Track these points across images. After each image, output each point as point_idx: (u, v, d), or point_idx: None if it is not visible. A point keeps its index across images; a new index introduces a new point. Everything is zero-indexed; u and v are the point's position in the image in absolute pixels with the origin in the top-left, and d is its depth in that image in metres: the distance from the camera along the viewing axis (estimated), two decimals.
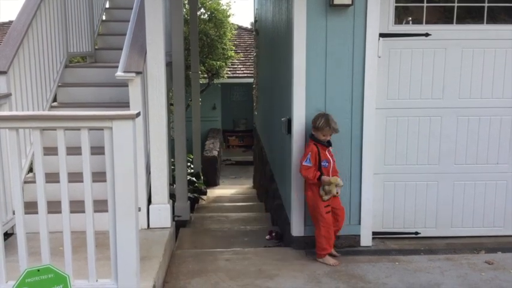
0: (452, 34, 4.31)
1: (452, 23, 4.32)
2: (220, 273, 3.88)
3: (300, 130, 4.22)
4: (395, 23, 4.27)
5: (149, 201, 4.49)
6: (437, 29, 4.30)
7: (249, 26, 19.55)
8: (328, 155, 4.04)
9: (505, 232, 4.59)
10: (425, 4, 4.28)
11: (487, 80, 4.38)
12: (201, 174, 10.33)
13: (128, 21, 5.05)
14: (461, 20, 4.32)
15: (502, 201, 4.55)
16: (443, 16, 4.38)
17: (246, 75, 16.26)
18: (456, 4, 4.28)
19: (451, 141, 4.44)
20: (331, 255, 4.11)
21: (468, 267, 3.94)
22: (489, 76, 4.37)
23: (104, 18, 7.27)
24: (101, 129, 2.75)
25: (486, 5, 4.28)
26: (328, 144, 4.05)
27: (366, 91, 4.18)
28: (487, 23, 4.32)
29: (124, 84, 4.37)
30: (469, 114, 4.41)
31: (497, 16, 4.34)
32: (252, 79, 13.44)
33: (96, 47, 6.78)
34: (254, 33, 12.23)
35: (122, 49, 4.59)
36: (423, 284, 3.66)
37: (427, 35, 4.29)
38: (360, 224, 4.37)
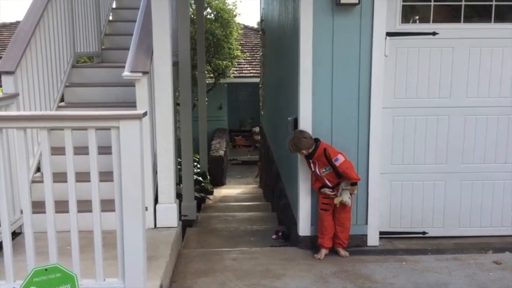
0: (460, 33, 4.29)
1: (459, 21, 4.30)
2: (227, 272, 3.89)
3: (306, 129, 4.20)
4: (402, 22, 4.25)
5: (156, 201, 4.50)
6: (444, 28, 4.28)
7: (255, 26, 19.55)
8: (313, 166, 4.13)
9: None
10: (432, 3, 4.26)
11: (495, 79, 4.35)
12: (207, 173, 10.34)
13: (135, 21, 5.06)
14: (468, 19, 4.30)
15: (509, 201, 4.52)
16: (450, 15, 4.36)
17: (252, 74, 16.24)
18: (463, 3, 4.26)
19: (458, 141, 4.42)
20: (337, 253, 4.18)
21: (476, 267, 3.92)
22: (497, 75, 4.34)
23: (110, 18, 7.29)
24: (108, 129, 2.76)
25: (494, 3, 4.26)
26: (308, 157, 4.11)
27: (372, 90, 4.17)
28: (494, 21, 4.29)
29: (131, 84, 4.38)
30: (477, 113, 4.39)
31: (504, 15, 4.31)
32: (258, 79, 13.43)
33: (103, 47, 6.80)
34: (260, 32, 12.24)
35: (128, 49, 4.60)
36: (431, 284, 3.64)
37: (434, 33, 4.27)
38: (366, 223, 4.36)
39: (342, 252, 4.18)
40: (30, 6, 4.86)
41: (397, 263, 4.03)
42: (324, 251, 4.17)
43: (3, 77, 4.21)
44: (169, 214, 4.46)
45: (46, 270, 2.65)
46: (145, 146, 4.11)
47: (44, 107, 4.85)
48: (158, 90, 4.36)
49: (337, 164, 3.99)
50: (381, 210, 4.40)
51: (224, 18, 12.98)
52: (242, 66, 16.57)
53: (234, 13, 13.42)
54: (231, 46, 13.37)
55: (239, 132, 18.74)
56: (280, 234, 5.26)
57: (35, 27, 4.64)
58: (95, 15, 6.39)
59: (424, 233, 4.55)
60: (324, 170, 4.07)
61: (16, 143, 2.83)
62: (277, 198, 6.99)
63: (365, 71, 4.15)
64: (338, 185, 4.08)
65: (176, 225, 4.47)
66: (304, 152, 4.05)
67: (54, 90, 5.16)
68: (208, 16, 12.88)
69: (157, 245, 3.96)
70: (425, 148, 4.43)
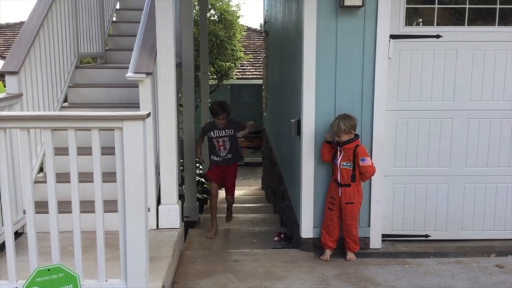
0: (464, 36, 4.28)
1: (463, 24, 4.29)
2: (229, 274, 3.89)
3: (309, 131, 4.21)
4: (406, 25, 4.24)
5: (158, 202, 4.51)
6: (448, 31, 4.27)
7: (259, 27, 19.57)
8: (338, 155, 4.07)
9: None
10: (436, 6, 4.25)
11: (498, 82, 4.34)
12: None
13: (139, 22, 5.07)
14: (472, 22, 4.29)
15: None
16: (454, 18, 4.36)
17: (255, 76, 16.27)
18: (467, 6, 4.25)
19: (461, 144, 4.41)
20: (344, 257, 4.16)
21: (478, 271, 3.91)
22: (500, 78, 4.33)
23: (114, 19, 7.33)
24: (112, 129, 2.76)
25: (498, 6, 4.25)
26: (339, 144, 4.05)
27: (376, 93, 4.16)
28: (498, 24, 4.28)
29: (134, 85, 4.39)
30: (480, 116, 4.38)
31: (508, 18, 4.31)
32: (261, 80, 13.45)
33: (106, 48, 6.82)
34: (263, 34, 12.25)
35: (132, 50, 4.61)
36: (433, 287, 3.64)
37: (438, 36, 4.26)
38: (369, 226, 4.35)
39: (349, 255, 4.16)
40: (34, 7, 4.87)
41: (400, 266, 4.02)
42: (328, 252, 4.17)
43: (7, 77, 4.23)
44: (171, 215, 4.46)
45: (49, 270, 2.66)
46: (148, 146, 4.11)
47: (48, 107, 4.86)
48: (161, 91, 4.36)
49: (361, 163, 4.00)
50: (383, 213, 4.39)
51: (227, 20, 13.00)
52: (245, 67, 16.60)
53: (238, 15, 13.44)
54: (234, 48, 13.39)
55: None
56: (282, 236, 5.26)
57: (39, 28, 4.65)
58: (99, 16, 6.42)
59: (426, 236, 4.54)
60: (344, 164, 4.05)
61: (19, 143, 2.84)
62: (279, 200, 6.99)
63: (368, 73, 4.15)
64: (345, 186, 4.07)
65: (178, 226, 4.47)
66: (346, 137, 3.99)
67: (58, 91, 5.18)
68: (211, 18, 12.90)
69: (159, 246, 3.96)
70: (428, 151, 4.42)
